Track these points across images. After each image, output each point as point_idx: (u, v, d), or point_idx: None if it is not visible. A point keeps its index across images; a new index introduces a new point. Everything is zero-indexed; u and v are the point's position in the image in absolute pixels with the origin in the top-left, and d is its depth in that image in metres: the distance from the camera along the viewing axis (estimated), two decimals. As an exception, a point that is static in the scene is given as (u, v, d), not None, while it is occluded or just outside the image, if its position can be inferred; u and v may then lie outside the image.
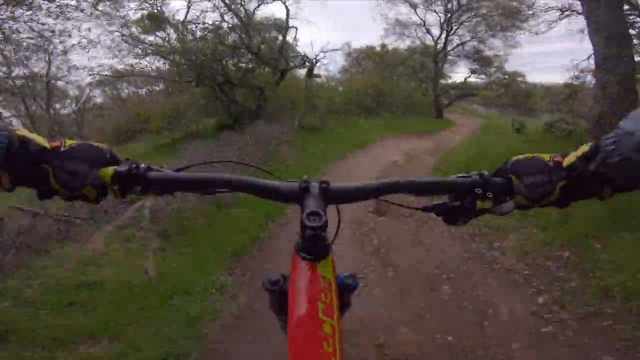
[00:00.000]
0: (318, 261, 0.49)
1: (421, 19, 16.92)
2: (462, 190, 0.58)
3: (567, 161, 0.56)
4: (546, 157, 0.57)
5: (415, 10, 16.53)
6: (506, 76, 20.81)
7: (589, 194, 0.55)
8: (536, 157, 0.58)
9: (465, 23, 16.72)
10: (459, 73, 26.75)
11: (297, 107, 10.86)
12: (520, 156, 0.59)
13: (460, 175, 0.59)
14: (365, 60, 20.19)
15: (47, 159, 0.51)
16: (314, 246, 0.49)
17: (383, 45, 19.26)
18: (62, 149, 0.52)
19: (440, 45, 17.17)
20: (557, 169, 0.56)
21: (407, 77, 19.07)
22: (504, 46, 17.37)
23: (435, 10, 16.32)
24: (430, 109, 16.60)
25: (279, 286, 0.56)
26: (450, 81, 19.92)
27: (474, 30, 17.13)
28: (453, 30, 16.90)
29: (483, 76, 20.57)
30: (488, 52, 18.50)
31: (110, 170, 0.53)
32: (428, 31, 17.20)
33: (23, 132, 0.50)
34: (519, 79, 21.62)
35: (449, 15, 16.08)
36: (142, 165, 0.55)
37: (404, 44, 18.69)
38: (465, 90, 20.68)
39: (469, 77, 20.18)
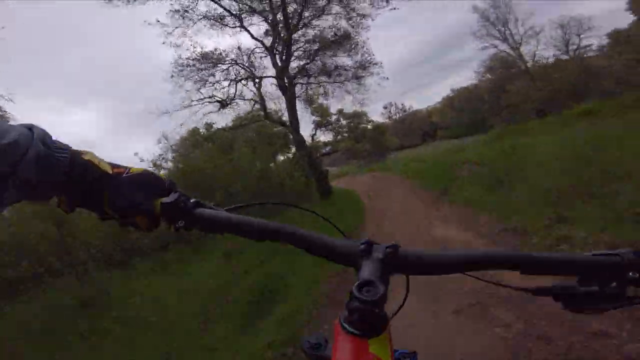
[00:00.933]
0: (370, 337, 0.38)
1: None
2: (605, 272, 0.43)
3: None
4: None
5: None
6: (350, 120, 19.37)
7: None
8: None
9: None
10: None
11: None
12: None
13: (599, 252, 0.45)
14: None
15: (106, 184, 0.51)
16: (365, 322, 0.38)
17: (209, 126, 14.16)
18: (124, 176, 0.53)
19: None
20: None
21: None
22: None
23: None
24: (308, 190, 11.26)
25: (320, 351, 0.50)
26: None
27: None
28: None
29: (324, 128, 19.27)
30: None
31: (159, 200, 0.53)
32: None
33: (89, 155, 0.51)
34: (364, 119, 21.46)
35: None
36: (192, 200, 0.54)
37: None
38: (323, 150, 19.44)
39: (314, 133, 18.86)
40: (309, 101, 14.97)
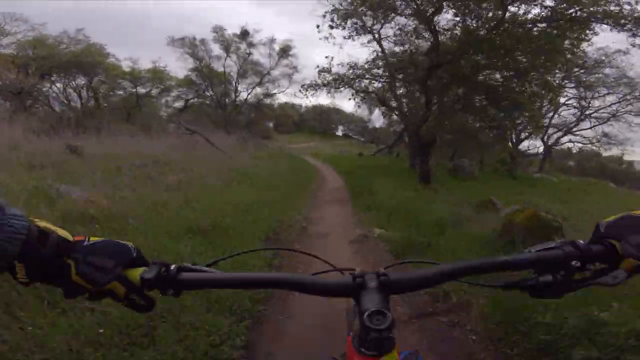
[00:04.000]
0: (382, 356, 0.45)
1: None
2: (554, 264, 0.53)
3: None
4: (638, 212, 0.55)
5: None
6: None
7: None
8: (629, 215, 0.55)
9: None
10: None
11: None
12: (610, 218, 0.56)
13: (544, 247, 0.55)
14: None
15: (70, 252, 0.49)
16: (379, 345, 0.45)
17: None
18: (85, 244, 0.50)
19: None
20: None
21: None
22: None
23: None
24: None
25: None
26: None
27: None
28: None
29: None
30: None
31: (137, 272, 0.51)
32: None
33: (44, 223, 0.49)
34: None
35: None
36: (173, 267, 0.52)
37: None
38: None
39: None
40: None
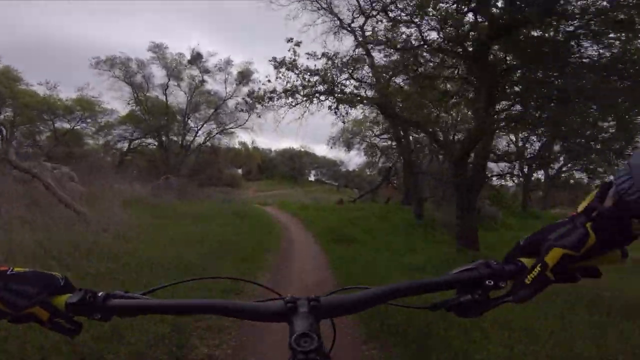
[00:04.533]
0: None
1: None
2: (470, 284, 0.57)
3: (580, 207, 0.55)
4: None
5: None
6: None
7: (624, 232, 0.51)
8: (548, 225, 0.57)
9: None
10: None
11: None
12: (528, 234, 0.58)
13: (463, 268, 0.59)
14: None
15: None
16: None
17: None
18: (9, 272, 0.53)
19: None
20: (577, 216, 0.54)
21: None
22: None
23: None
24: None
25: None
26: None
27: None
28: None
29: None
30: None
31: (63, 298, 0.54)
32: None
33: None
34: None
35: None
36: (100, 294, 0.55)
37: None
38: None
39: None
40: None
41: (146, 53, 23.23)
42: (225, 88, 23.63)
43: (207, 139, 24.68)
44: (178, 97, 23.83)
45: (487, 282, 0.55)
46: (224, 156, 30.68)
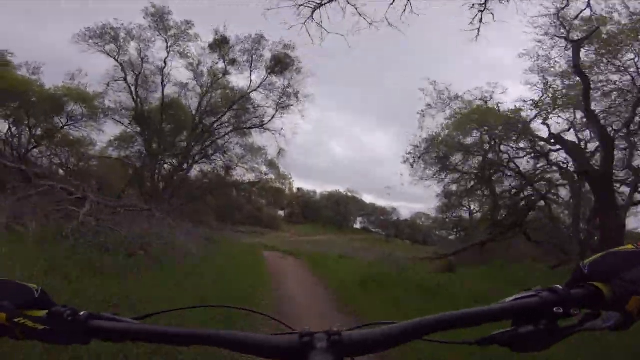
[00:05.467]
0: None
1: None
2: (533, 313, 0.48)
3: None
4: (628, 247, 0.51)
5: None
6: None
7: None
8: (615, 252, 0.51)
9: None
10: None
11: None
12: (594, 257, 0.52)
13: (520, 295, 0.50)
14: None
15: None
16: None
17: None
18: None
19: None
20: None
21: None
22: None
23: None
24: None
25: None
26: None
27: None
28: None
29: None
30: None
31: (38, 314, 0.49)
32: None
33: None
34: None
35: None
36: (82, 313, 0.49)
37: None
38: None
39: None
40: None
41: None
42: (250, 77, 17.21)
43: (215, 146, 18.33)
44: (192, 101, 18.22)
45: (554, 309, 0.47)
46: (257, 193, 27.13)
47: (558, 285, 0.50)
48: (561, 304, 0.47)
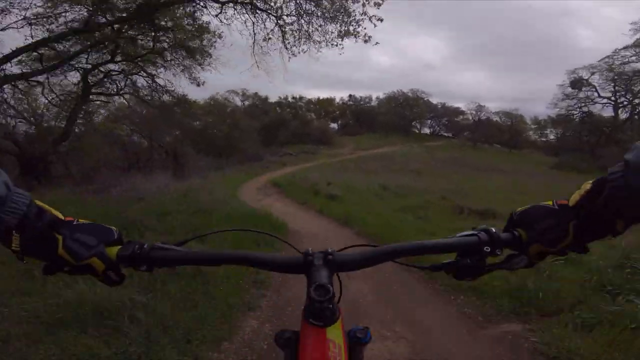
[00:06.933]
0: (327, 326, 0.51)
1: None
2: (470, 249, 0.59)
3: (572, 201, 0.56)
4: (549, 203, 0.58)
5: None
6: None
7: (602, 230, 0.53)
8: (539, 205, 0.59)
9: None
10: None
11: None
12: (524, 207, 0.60)
13: (466, 233, 0.61)
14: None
15: (59, 228, 0.55)
16: (323, 315, 0.51)
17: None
18: (75, 223, 0.57)
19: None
20: (564, 211, 0.56)
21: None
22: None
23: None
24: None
25: (291, 343, 0.56)
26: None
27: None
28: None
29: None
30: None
31: (115, 250, 0.57)
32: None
33: (41, 203, 0.55)
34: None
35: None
36: (146, 246, 0.58)
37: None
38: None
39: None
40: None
41: None
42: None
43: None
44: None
45: (485, 248, 0.57)
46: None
47: (493, 229, 0.59)
48: (490, 244, 0.57)
